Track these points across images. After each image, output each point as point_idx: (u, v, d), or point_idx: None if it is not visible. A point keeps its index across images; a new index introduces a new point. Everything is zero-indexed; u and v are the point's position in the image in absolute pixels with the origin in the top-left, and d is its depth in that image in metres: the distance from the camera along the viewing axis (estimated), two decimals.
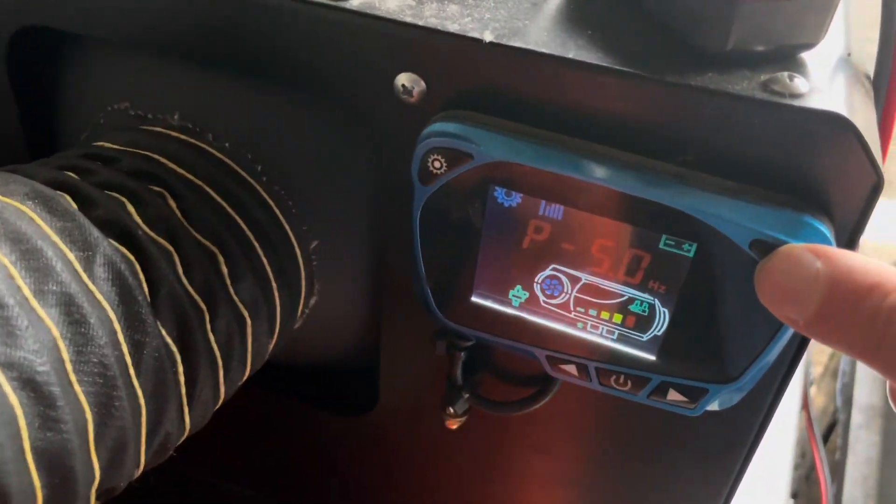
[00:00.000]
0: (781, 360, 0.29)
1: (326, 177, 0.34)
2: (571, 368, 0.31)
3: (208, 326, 0.29)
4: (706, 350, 0.28)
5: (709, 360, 0.28)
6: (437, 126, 0.27)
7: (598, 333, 0.30)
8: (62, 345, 0.24)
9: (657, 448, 0.35)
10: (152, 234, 0.28)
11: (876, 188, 0.24)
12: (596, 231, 0.27)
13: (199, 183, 0.31)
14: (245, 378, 0.33)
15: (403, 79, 0.28)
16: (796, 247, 0.23)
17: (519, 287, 0.30)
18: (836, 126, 0.23)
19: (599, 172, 0.26)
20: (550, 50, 0.26)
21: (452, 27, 0.27)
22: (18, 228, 0.25)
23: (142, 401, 0.26)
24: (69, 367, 0.24)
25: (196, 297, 0.28)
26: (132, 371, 0.26)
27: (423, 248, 0.30)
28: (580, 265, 0.28)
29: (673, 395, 0.29)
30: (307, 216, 0.34)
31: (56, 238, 0.25)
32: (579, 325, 0.30)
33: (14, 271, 0.24)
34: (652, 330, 0.29)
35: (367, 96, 0.29)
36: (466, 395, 0.36)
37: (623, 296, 0.28)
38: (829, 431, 0.88)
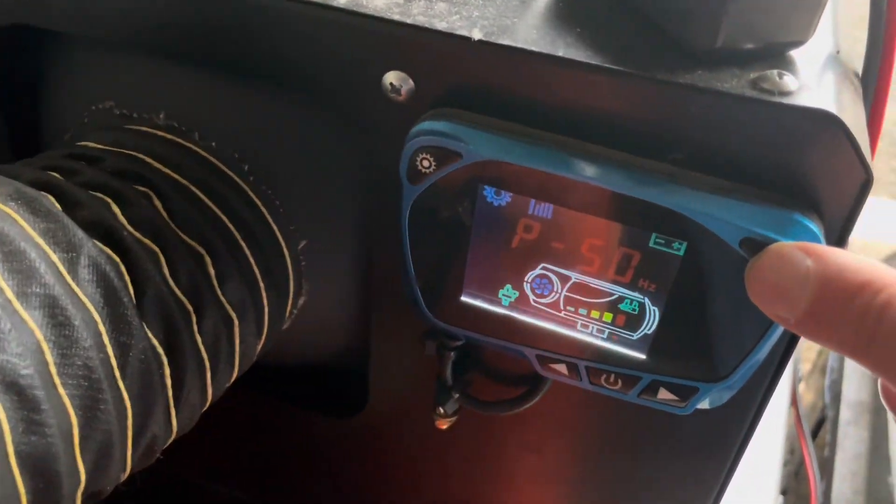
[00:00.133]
0: (771, 358, 0.29)
1: (314, 176, 0.34)
2: (562, 368, 0.31)
3: (195, 328, 0.29)
4: (696, 348, 0.28)
5: (699, 359, 0.28)
6: (426, 125, 0.27)
7: (589, 332, 0.29)
8: (46, 347, 0.23)
9: (648, 446, 0.35)
10: (138, 234, 0.28)
11: (865, 185, 0.24)
12: (586, 230, 0.27)
13: (185, 182, 0.31)
14: (233, 379, 0.32)
15: (391, 77, 0.28)
16: (786, 245, 0.23)
17: (509, 286, 0.30)
18: (826, 123, 0.23)
19: (589, 171, 0.25)
20: (540, 48, 0.26)
21: (440, 25, 0.27)
22: (1, 230, 0.24)
23: (128, 403, 0.26)
24: (53, 369, 0.23)
25: (182, 297, 0.28)
26: (118, 373, 0.25)
27: (413, 248, 0.30)
28: (570, 264, 0.28)
29: (663, 394, 0.29)
30: (295, 216, 0.34)
31: (39, 239, 0.25)
32: (569, 324, 0.30)
33: None
34: (642, 329, 0.28)
35: (354, 95, 0.29)
36: (456, 395, 0.36)
37: (613, 294, 0.28)
38: (817, 428, 0.88)
